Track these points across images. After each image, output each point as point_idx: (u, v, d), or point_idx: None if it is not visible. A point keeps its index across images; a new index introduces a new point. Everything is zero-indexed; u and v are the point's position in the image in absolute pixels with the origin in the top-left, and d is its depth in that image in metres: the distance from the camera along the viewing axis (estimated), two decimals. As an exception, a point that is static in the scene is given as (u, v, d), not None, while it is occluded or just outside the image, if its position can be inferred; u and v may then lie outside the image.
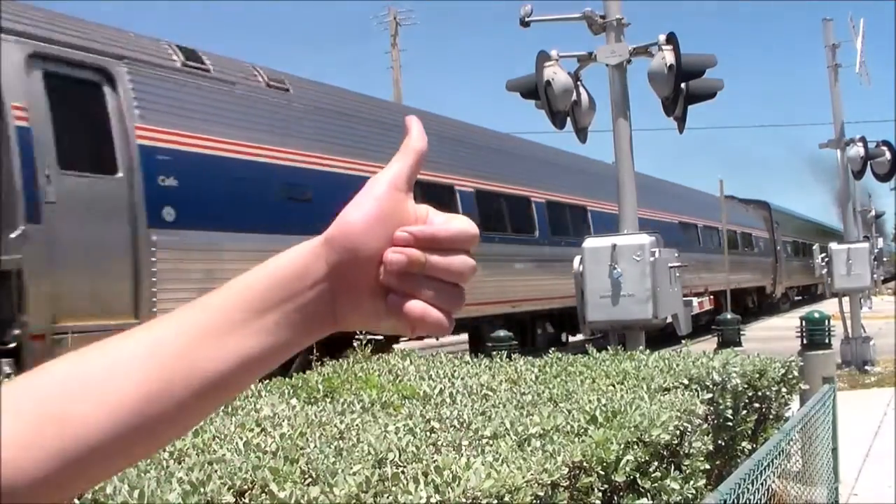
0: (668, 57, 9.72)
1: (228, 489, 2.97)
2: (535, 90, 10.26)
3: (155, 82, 10.80)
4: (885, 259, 27.40)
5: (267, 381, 5.75)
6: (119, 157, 10.01)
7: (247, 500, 2.99)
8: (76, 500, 3.04)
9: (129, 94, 10.28)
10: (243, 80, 12.20)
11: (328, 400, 5.12)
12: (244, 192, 11.57)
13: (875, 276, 19.66)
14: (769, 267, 40.90)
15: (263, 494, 2.97)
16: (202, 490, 2.89)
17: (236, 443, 3.58)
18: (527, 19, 10.34)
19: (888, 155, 18.73)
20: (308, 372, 6.30)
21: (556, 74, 10.17)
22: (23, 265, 8.72)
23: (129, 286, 9.77)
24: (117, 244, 9.80)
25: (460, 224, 0.94)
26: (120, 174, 10.00)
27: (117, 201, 9.87)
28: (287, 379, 5.89)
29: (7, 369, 8.10)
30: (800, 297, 48.80)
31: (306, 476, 3.18)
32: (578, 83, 10.58)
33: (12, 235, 8.67)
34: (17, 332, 8.62)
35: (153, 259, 10.05)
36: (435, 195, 13.54)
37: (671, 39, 9.78)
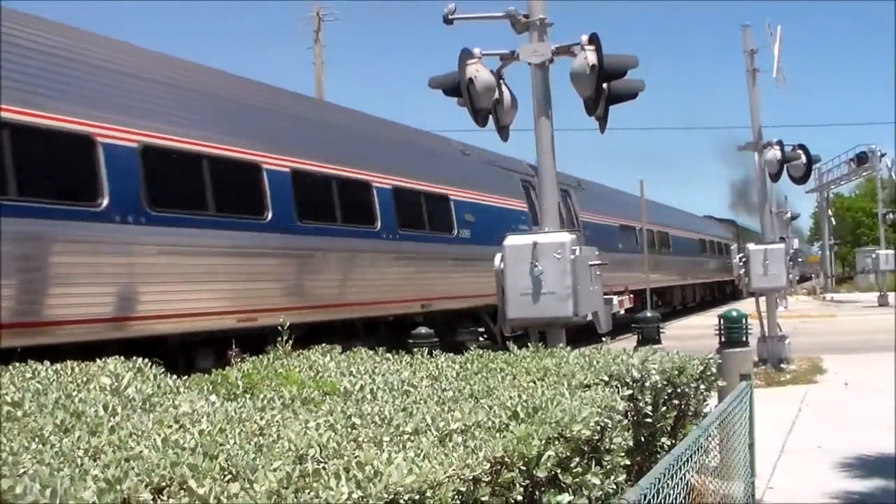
0: (591, 57, 9.79)
1: (146, 486, 2.91)
2: (457, 88, 10.27)
3: (577, 194, 26.68)
4: (800, 260, 27.92)
5: (186, 377, 5.68)
6: (576, 225, 23.84)
7: (165, 497, 2.93)
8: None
9: (574, 199, 25.56)
10: (576, 188, 27.66)
11: (248, 396, 5.06)
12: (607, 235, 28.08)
13: (791, 276, 19.99)
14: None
15: (182, 491, 2.92)
16: (118, 487, 2.83)
17: (154, 439, 3.51)
18: (450, 17, 10.33)
19: (804, 158, 19.10)
20: (227, 368, 6.23)
21: (479, 72, 10.18)
22: None
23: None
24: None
25: None
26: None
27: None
28: (206, 375, 5.81)
29: None
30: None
31: (226, 472, 3.13)
32: (501, 81, 10.60)
33: None
34: None
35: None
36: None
37: (593, 40, 9.85)
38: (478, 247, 18.22)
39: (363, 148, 16.82)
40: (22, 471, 3.03)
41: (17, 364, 5.52)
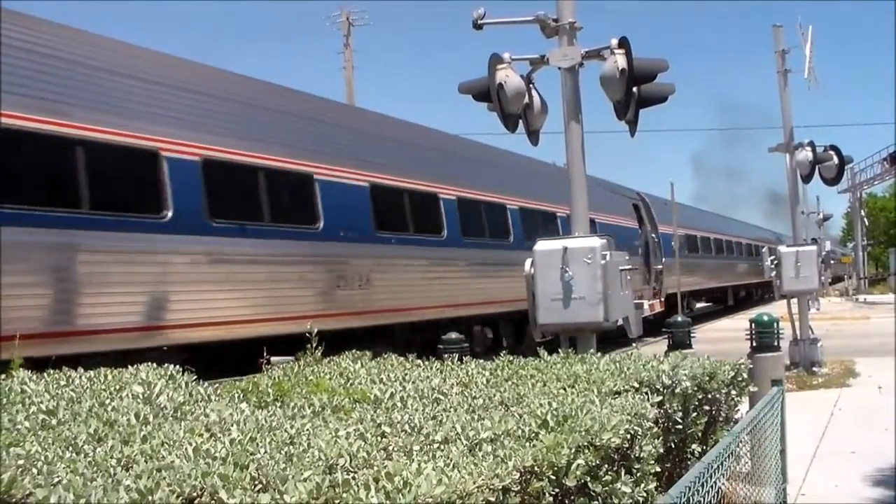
0: (620, 61, 9.76)
1: (177, 497, 2.93)
2: (487, 93, 10.26)
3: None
4: (832, 261, 27.76)
5: (216, 384, 5.71)
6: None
7: (195, 508, 2.95)
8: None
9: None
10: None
11: (278, 404, 5.09)
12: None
13: (823, 278, 19.82)
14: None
15: (213, 502, 2.94)
16: (150, 498, 2.85)
17: (185, 449, 3.53)
18: (479, 22, 10.33)
19: (835, 159, 18.95)
20: (258, 375, 6.25)
21: (509, 77, 10.17)
22: None
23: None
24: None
25: None
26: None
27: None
28: (236, 382, 5.84)
29: None
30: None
31: (256, 482, 3.15)
32: (531, 86, 10.58)
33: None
34: None
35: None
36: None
37: (623, 44, 9.82)
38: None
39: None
40: (56, 480, 3.06)
41: (52, 371, 5.57)
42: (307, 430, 4.04)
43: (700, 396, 6.29)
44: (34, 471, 3.20)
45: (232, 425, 4.10)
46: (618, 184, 31.16)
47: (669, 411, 5.68)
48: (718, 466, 4.67)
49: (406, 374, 6.13)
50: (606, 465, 4.21)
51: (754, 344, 11.85)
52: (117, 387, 5.13)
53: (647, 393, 5.42)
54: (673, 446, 5.80)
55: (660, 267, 30.79)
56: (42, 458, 3.40)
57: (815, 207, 46.36)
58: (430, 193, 17.85)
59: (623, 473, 4.34)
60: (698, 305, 46.01)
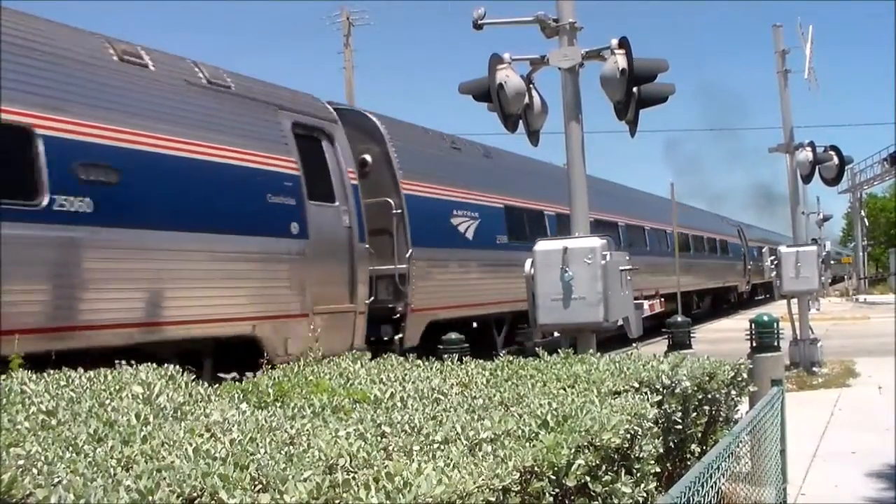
0: (621, 61, 9.76)
1: (177, 497, 2.93)
2: (487, 93, 10.26)
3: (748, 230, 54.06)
4: (832, 262, 27.82)
5: (217, 385, 5.71)
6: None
7: (196, 509, 2.95)
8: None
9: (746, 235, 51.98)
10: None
11: (279, 404, 5.09)
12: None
13: (823, 278, 19.78)
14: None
15: (213, 502, 2.94)
16: (151, 498, 2.85)
17: (185, 449, 3.53)
18: (479, 22, 10.33)
19: (836, 160, 18.93)
20: (258, 376, 6.26)
21: (509, 78, 10.16)
22: None
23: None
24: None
25: None
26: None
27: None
28: (237, 383, 5.84)
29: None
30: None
31: (256, 483, 3.15)
32: (531, 86, 10.58)
33: None
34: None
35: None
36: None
37: (623, 44, 9.82)
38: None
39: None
40: (56, 480, 3.06)
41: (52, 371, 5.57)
42: (307, 430, 4.04)
43: (700, 396, 6.29)
44: (34, 471, 3.20)
45: (232, 426, 4.11)
46: (726, 216, 49.84)
47: (669, 411, 5.69)
48: (718, 467, 4.68)
49: (406, 375, 6.14)
50: (606, 465, 4.22)
51: (754, 344, 11.84)
52: (117, 387, 5.13)
53: (646, 393, 5.42)
54: (673, 446, 5.81)
55: (749, 266, 47.26)
56: (42, 458, 3.40)
57: (816, 208, 46.46)
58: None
59: (623, 473, 4.34)
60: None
